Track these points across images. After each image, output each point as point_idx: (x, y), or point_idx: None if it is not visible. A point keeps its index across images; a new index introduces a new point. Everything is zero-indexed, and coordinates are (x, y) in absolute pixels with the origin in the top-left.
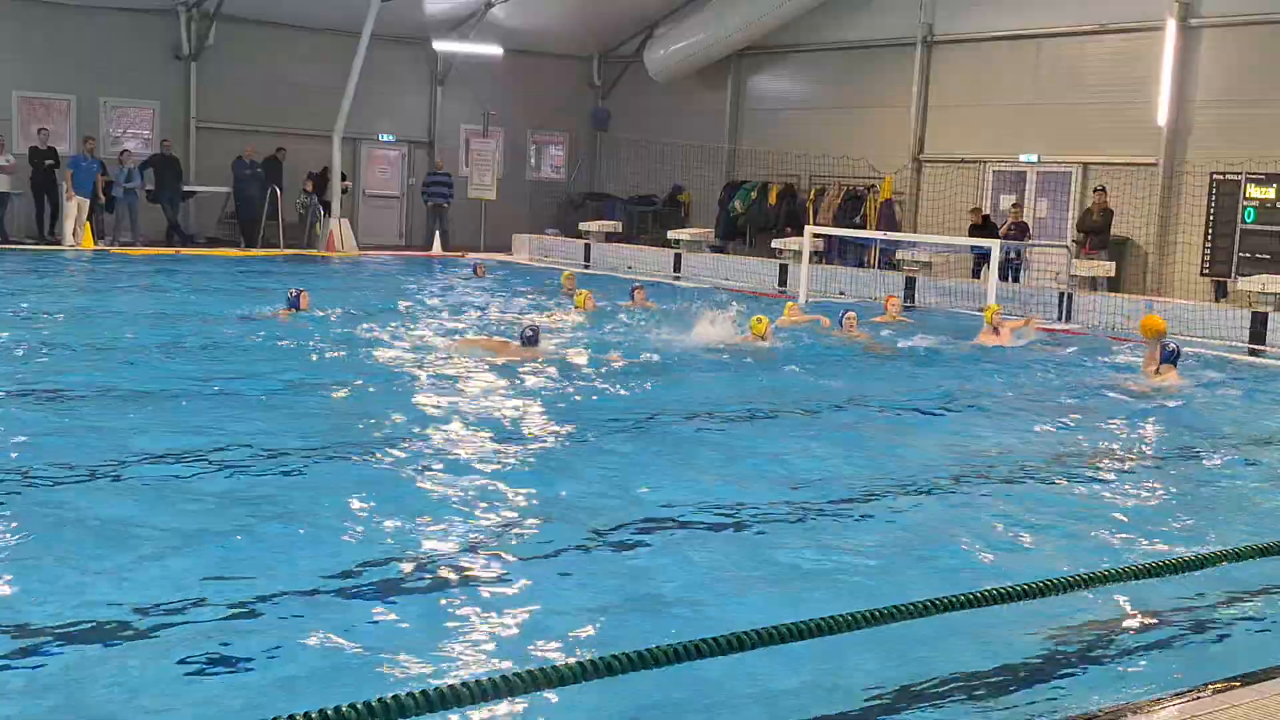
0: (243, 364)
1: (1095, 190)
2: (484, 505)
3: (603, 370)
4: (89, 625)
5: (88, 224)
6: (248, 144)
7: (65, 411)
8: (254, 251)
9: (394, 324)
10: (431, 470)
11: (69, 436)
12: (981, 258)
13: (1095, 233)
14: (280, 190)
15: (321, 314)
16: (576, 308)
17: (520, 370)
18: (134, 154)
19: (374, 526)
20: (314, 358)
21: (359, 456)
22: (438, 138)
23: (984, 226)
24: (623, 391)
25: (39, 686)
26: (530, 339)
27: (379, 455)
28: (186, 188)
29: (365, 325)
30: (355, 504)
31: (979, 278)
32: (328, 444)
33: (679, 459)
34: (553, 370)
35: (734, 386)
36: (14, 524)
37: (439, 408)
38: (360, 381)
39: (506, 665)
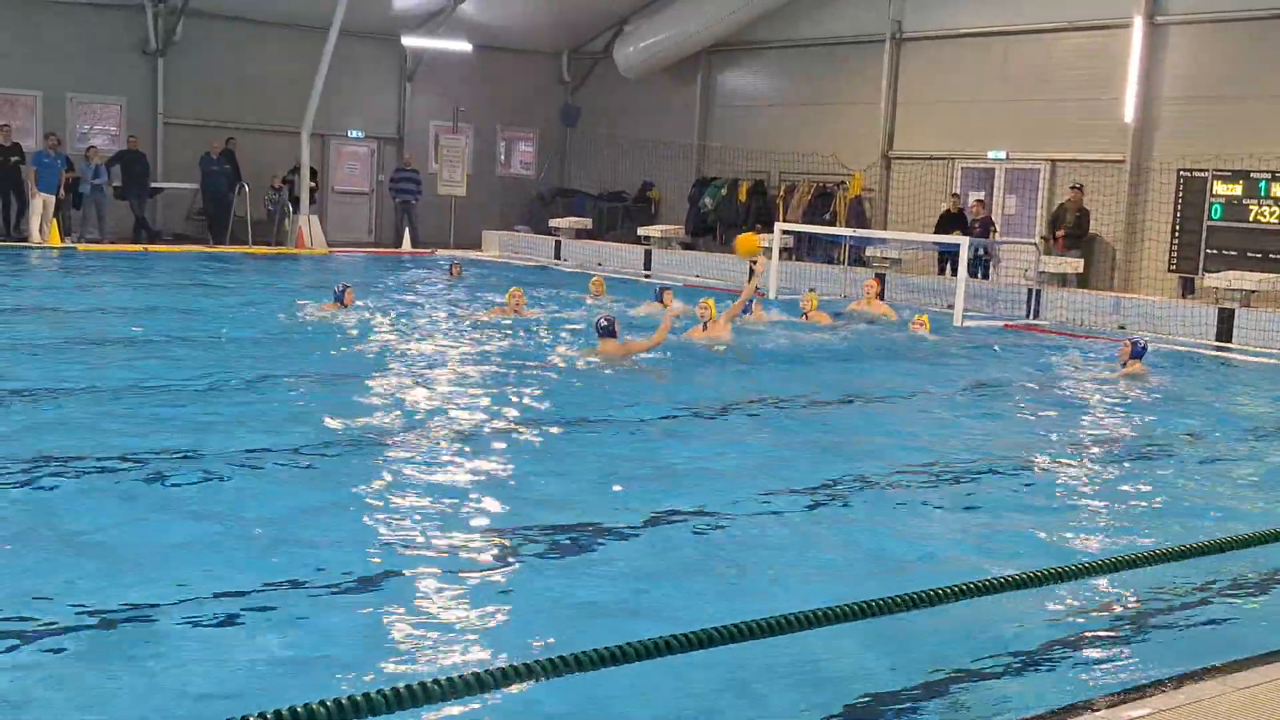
0: (240, 361)
1: (1072, 188)
2: (481, 500)
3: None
4: (64, 625)
5: (54, 221)
6: (214, 140)
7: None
8: (222, 248)
9: (405, 320)
10: (434, 466)
11: (33, 432)
12: (947, 254)
13: (1071, 232)
14: (248, 186)
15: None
16: (506, 304)
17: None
18: (101, 150)
19: (351, 522)
20: (336, 353)
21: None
22: (407, 134)
23: (956, 216)
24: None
25: None
26: (606, 329)
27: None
28: (154, 184)
29: (387, 322)
30: (333, 499)
31: (944, 274)
32: (326, 440)
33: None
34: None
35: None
36: None
37: (450, 404)
38: (362, 377)
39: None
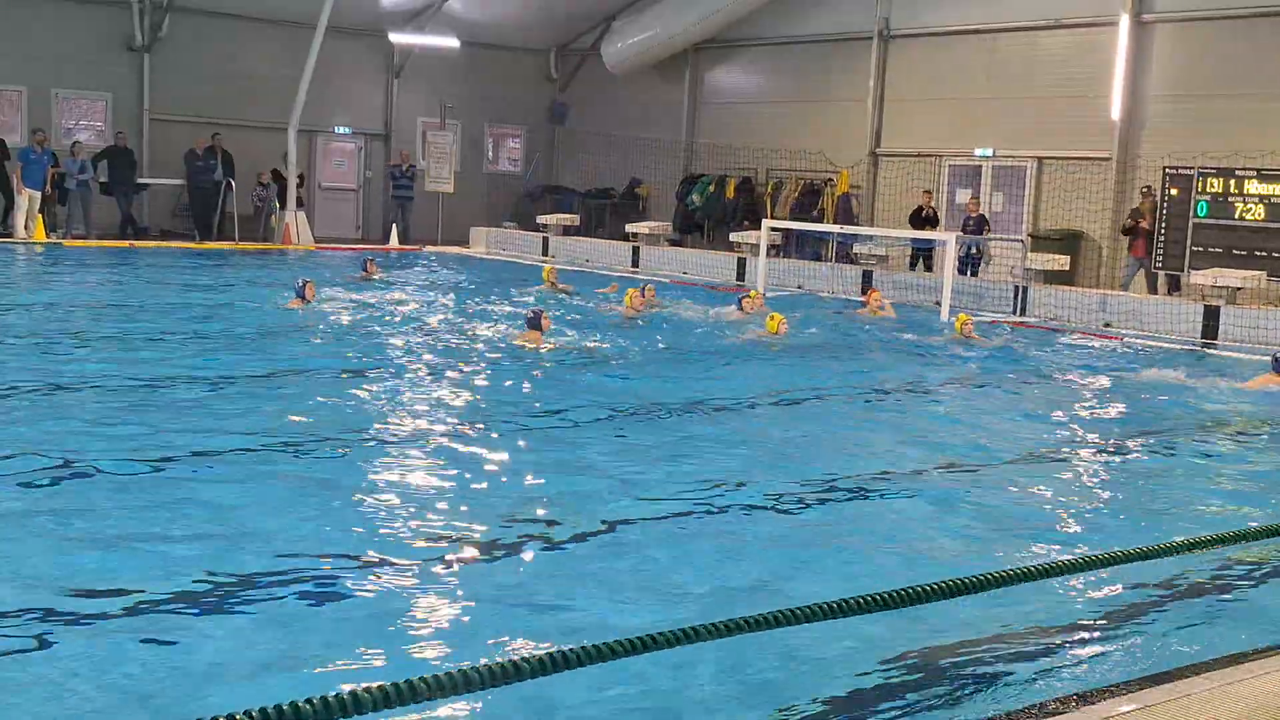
0: (227, 356)
1: (1144, 193)
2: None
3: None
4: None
5: (40, 216)
6: (199, 137)
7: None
8: (208, 244)
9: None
10: (411, 463)
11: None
12: (919, 250)
13: (1152, 235)
14: (233, 182)
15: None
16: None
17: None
18: (86, 146)
19: (329, 519)
20: (300, 351)
21: (323, 450)
22: (394, 130)
23: (919, 215)
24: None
25: None
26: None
27: (340, 448)
28: (140, 180)
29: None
30: (312, 497)
31: (915, 269)
32: (304, 437)
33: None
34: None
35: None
36: None
37: (419, 400)
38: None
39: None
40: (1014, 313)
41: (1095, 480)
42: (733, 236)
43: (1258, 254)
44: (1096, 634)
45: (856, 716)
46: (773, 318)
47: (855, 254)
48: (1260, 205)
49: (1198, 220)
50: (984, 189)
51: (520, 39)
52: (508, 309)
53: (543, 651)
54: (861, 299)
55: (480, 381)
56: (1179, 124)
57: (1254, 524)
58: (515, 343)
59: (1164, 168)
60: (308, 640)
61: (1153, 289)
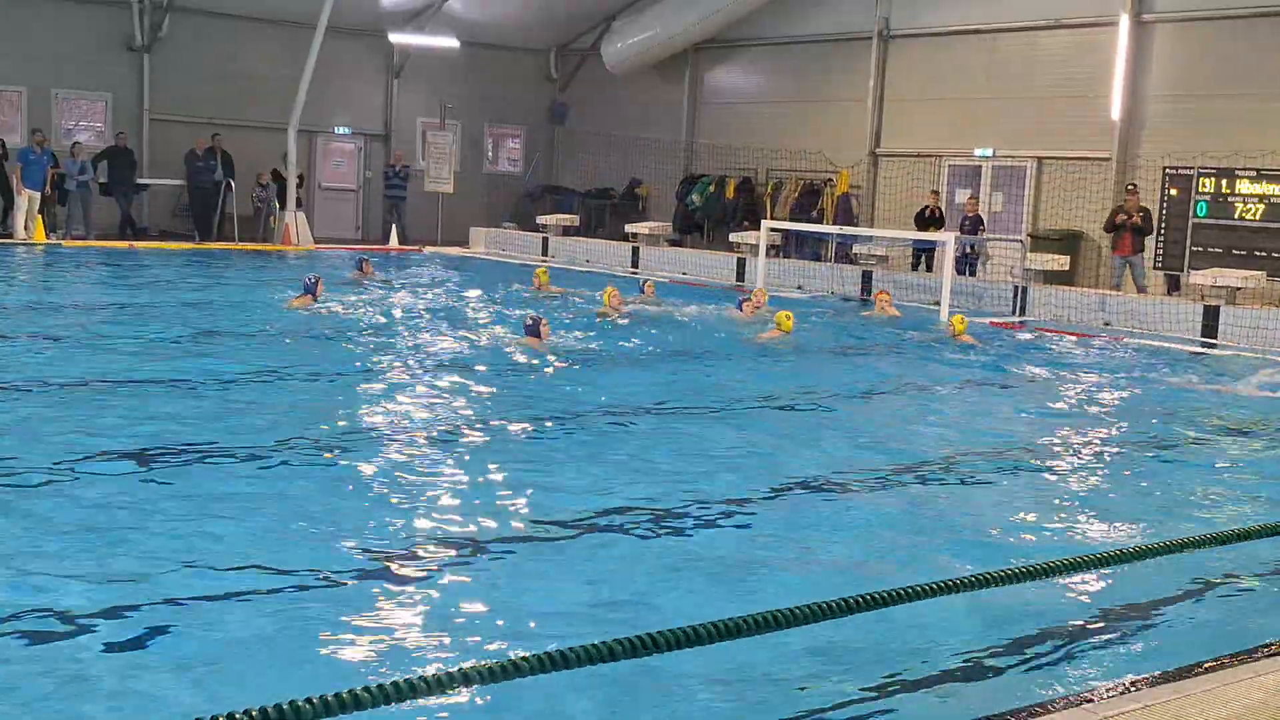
0: (228, 357)
1: (1129, 190)
2: (462, 498)
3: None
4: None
5: (39, 217)
6: (198, 137)
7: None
8: (209, 244)
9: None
10: (419, 463)
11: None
12: (921, 251)
13: (1138, 233)
14: (233, 183)
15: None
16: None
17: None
18: (86, 146)
19: (325, 519)
20: (306, 352)
21: (328, 450)
22: (394, 131)
23: (924, 216)
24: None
25: None
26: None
27: (345, 448)
28: (140, 180)
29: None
30: (320, 497)
31: (917, 270)
32: (299, 436)
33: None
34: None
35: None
36: None
37: (417, 402)
38: (338, 373)
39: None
40: (1014, 313)
41: (1095, 479)
42: (732, 237)
43: (1257, 254)
44: (1096, 634)
45: (853, 716)
46: (789, 316)
47: (855, 254)
48: (1260, 205)
49: (1197, 220)
50: (984, 189)
51: (520, 39)
52: (503, 312)
53: (543, 651)
54: (869, 299)
55: (478, 387)
56: (1179, 124)
57: (1254, 524)
58: (512, 349)
59: (1164, 168)
60: (306, 640)
61: (1140, 288)
